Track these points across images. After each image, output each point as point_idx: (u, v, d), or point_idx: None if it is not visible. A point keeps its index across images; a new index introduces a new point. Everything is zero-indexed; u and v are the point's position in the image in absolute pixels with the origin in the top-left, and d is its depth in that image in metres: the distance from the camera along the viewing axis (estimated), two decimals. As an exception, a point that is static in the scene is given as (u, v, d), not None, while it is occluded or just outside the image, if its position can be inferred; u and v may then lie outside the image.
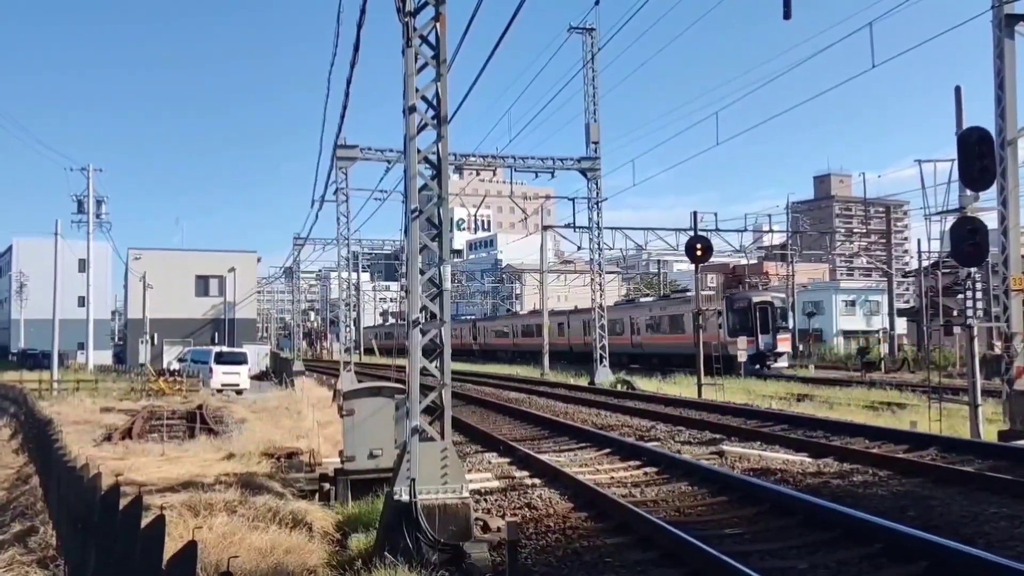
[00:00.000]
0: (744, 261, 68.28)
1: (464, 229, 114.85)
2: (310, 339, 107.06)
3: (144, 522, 4.49)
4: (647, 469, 12.21)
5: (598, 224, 34.76)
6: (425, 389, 9.00)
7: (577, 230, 38.49)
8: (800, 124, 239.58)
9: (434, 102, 9.46)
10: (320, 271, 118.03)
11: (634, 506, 9.16)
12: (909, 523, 7.93)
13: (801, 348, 66.42)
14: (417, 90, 9.31)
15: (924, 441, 13.26)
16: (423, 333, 9.10)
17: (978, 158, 14.51)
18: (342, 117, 18.13)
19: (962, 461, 11.42)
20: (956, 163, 15.32)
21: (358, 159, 31.82)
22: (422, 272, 9.33)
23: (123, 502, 6.26)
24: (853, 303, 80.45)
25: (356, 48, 12.66)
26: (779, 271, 76.20)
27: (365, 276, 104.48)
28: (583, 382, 33.02)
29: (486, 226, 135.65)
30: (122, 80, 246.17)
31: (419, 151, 9.32)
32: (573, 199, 35.86)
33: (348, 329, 39.68)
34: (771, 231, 51.33)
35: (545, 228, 44.52)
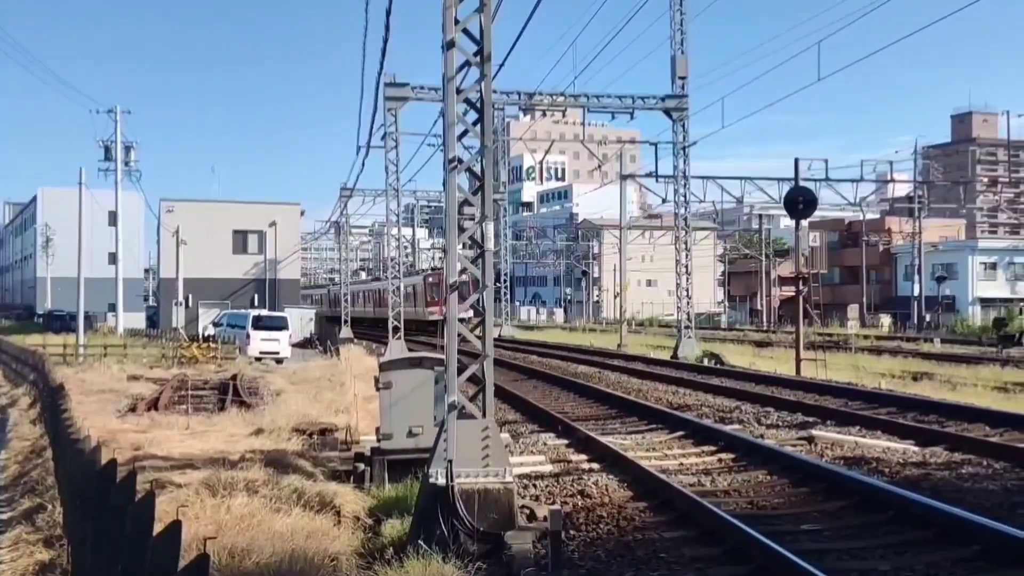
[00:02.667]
0: (862, 216, 66.58)
1: (533, 179, 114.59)
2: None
3: (156, 502, 4.79)
4: (722, 455, 12.25)
5: (684, 173, 34.37)
6: (470, 359, 9.20)
7: (661, 180, 38.10)
8: (932, 59, 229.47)
9: (477, 36, 9.54)
10: (373, 225, 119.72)
11: (700, 496, 9.24)
12: (1018, 522, 7.82)
13: (929, 319, 64.83)
14: (457, 22, 9.37)
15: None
16: (461, 298, 9.30)
17: None
18: (383, 52, 18.37)
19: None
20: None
21: (409, 99, 32.07)
22: (462, 229, 9.49)
23: (140, 479, 6.65)
24: (994, 266, 77.81)
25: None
26: (903, 228, 74.03)
27: (423, 232, 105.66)
28: (665, 356, 32.99)
29: (560, 175, 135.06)
30: (152, 30, 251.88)
31: (459, 92, 9.43)
32: (656, 144, 35.50)
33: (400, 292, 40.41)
34: (892, 180, 49.86)
35: (624, 177, 44.17)
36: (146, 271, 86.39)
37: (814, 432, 13.24)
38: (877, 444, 12.31)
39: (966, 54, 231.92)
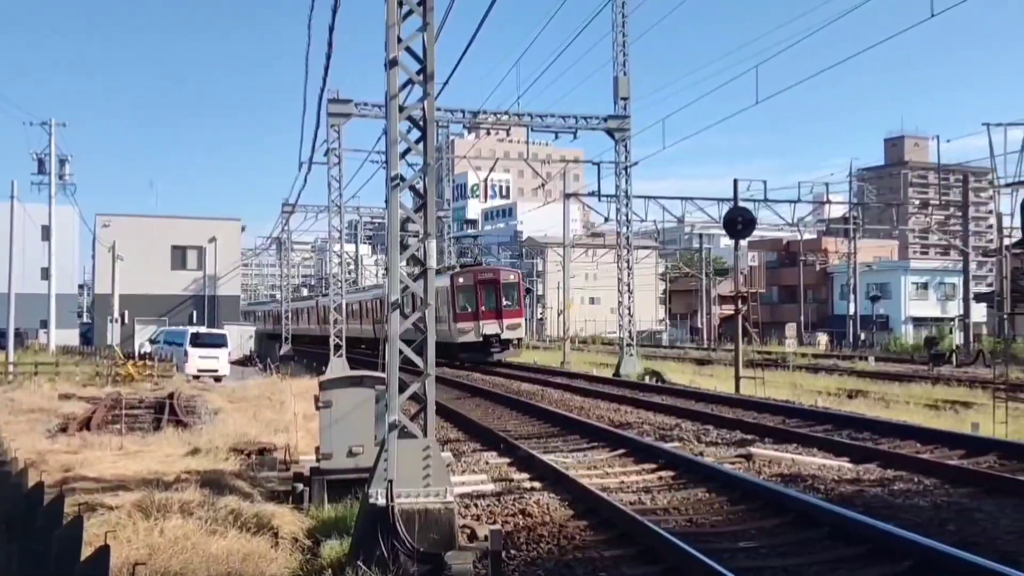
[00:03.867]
0: (799, 236, 67.85)
1: (478, 196, 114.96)
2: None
3: (86, 525, 4.67)
4: (663, 473, 12.35)
5: (626, 192, 34.74)
6: (412, 378, 9.16)
7: (603, 199, 38.50)
8: (866, 84, 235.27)
9: (420, 54, 9.56)
10: (316, 241, 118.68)
11: (640, 515, 9.29)
12: (947, 538, 8.02)
13: (864, 338, 66.17)
14: (400, 40, 9.40)
15: (984, 446, 13.29)
16: (404, 316, 9.26)
17: (1054, 122, 14.59)
18: (326, 69, 18.28)
19: (1023, 470, 11.45)
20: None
21: (353, 116, 31.98)
22: (404, 248, 9.47)
23: (69, 501, 6.46)
24: (926, 286, 79.84)
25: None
26: (839, 248, 75.74)
27: (367, 249, 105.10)
28: (607, 373, 33.18)
29: (505, 193, 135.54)
30: (90, 42, 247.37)
31: (402, 110, 9.43)
32: (599, 164, 35.83)
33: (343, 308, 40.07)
34: (828, 201, 50.93)
35: (567, 196, 44.52)
36: (80, 287, 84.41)
37: (752, 450, 13.42)
38: (813, 461, 12.52)
39: (898, 79, 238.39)
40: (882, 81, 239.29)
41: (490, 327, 36.79)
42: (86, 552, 4.20)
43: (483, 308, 37.02)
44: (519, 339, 39.70)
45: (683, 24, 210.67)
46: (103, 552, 3.69)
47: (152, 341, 45.19)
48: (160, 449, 14.94)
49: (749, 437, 15.11)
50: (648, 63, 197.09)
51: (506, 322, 37.26)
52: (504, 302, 37.51)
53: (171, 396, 25.73)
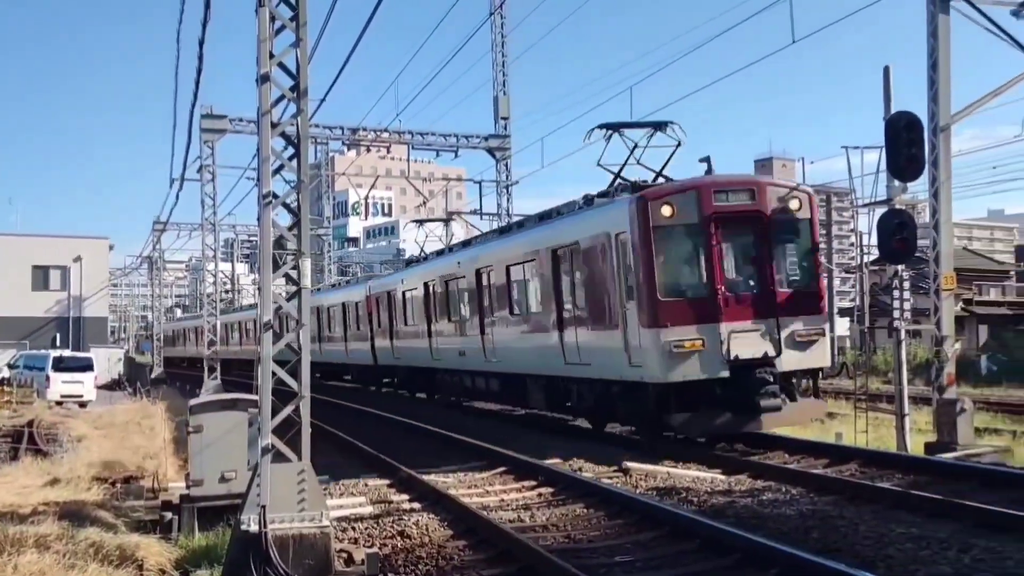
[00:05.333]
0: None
1: (359, 214, 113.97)
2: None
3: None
4: (542, 490, 12.43)
5: (508, 211, 35.05)
6: (287, 400, 8.96)
7: (485, 217, 38.70)
8: (735, 105, 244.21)
9: (293, 71, 9.42)
10: (190, 260, 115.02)
11: (518, 532, 9.34)
12: (811, 546, 8.33)
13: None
14: (272, 55, 9.24)
15: (846, 455, 13.86)
16: (276, 337, 9.06)
17: (906, 145, 15.23)
18: (197, 83, 17.82)
19: (881, 476, 12.02)
20: (884, 151, 16.03)
21: (227, 132, 31.26)
22: (276, 266, 9.28)
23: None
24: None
25: (207, 4, 12.46)
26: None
27: (243, 267, 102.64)
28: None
29: (387, 211, 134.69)
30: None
31: (275, 126, 9.26)
32: (480, 182, 36.04)
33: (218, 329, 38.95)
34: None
35: (450, 215, 44.48)
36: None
37: (628, 464, 13.63)
38: (687, 474, 12.81)
39: (766, 102, 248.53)
40: (750, 104, 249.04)
41: (750, 341, 14.50)
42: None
43: (726, 286, 14.66)
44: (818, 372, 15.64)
45: (561, 45, 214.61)
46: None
47: (11, 366, 42.83)
48: (16, 480, 14.16)
49: (625, 451, 15.33)
50: (528, 83, 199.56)
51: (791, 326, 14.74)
52: (776, 274, 14.99)
53: (30, 424, 24.45)
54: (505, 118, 33.31)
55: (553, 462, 14.33)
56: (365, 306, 31.51)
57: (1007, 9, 16.71)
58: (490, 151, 34.04)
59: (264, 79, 9.05)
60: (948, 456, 14.09)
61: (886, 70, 16.94)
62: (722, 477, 12.54)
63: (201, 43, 14.01)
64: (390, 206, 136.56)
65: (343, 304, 34.77)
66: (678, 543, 9.00)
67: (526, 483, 13.00)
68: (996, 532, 8.45)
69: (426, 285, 25.50)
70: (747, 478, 12.33)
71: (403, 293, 27.82)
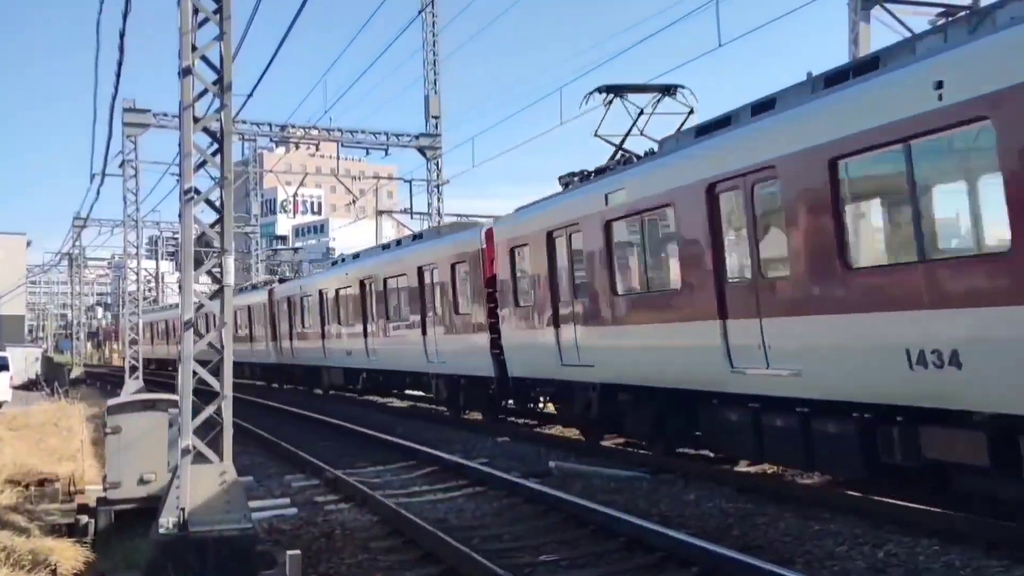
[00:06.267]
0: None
1: (288, 212, 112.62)
2: (98, 340, 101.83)
3: None
4: (472, 489, 12.43)
5: (439, 211, 34.95)
6: (208, 401, 8.80)
7: (416, 216, 38.47)
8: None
9: (217, 64, 9.25)
10: (112, 257, 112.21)
11: (446, 532, 9.30)
12: (732, 543, 8.47)
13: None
14: (195, 48, 9.08)
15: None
16: (198, 336, 8.89)
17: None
18: (118, 76, 17.37)
19: (801, 475, 12.27)
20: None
21: (151, 126, 30.56)
22: (199, 264, 9.11)
23: None
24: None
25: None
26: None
27: (168, 265, 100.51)
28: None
29: (316, 209, 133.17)
30: None
31: (197, 120, 9.08)
32: (411, 181, 35.84)
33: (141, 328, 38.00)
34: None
35: (380, 213, 44.17)
36: None
37: (560, 464, 13.69)
38: (615, 473, 12.90)
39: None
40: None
41: None
42: None
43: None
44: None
45: (491, 45, 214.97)
46: None
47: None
48: (-78, 485, 13.57)
49: (557, 451, 15.43)
50: (459, 82, 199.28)
51: None
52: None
53: (-60, 425, 23.50)
54: (436, 117, 33.21)
55: (482, 461, 14.35)
56: (268, 309, 35.21)
57: (925, 18, 17.25)
58: (421, 150, 33.90)
59: (186, 72, 8.88)
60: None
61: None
62: (648, 476, 12.66)
63: (122, 35, 13.64)
64: (320, 204, 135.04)
65: (248, 307, 38.27)
66: (603, 542, 9.08)
67: (455, 483, 12.99)
68: (909, 528, 8.68)
69: (320, 292, 29.09)
70: (675, 477, 12.47)
71: (301, 299, 31.52)
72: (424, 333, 21.27)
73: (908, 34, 16.99)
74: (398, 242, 25.39)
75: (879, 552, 8.04)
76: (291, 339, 32.85)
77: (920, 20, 17.24)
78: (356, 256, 28.15)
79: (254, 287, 42.05)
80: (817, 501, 10.19)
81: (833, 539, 8.56)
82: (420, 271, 21.54)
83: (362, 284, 25.13)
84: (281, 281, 38.75)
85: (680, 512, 10.23)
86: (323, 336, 28.82)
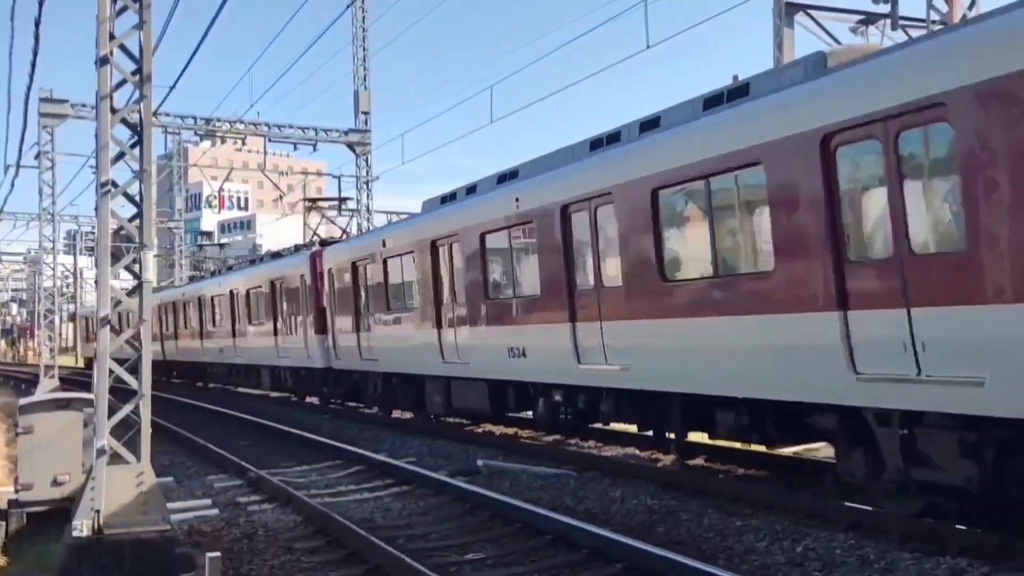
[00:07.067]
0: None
1: (214, 207, 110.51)
2: (12, 337, 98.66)
3: None
4: (398, 488, 12.36)
5: (368, 207, 34.66)
6: (126, 400, 8.63)
7: (345, 213, 38.09)
8: (585, 106, 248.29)
9: (137, 54, 9.03)
10: (28, 252, 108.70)
11: (370, 532, 9.22)
12: (656, 539, 8.58)
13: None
14: (113, 37, 8.87)
15: (695, 450, 14.31)
16: (115, 332, 8.67)
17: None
18: (33, 64, 16.83)
19: (725, 471, 12.49)
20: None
21: (69, 117, 29.68)
22: (116, 259, 8.88)
23: None
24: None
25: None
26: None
27: (87, 260, 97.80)
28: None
29: (243, 204, 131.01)
30: None
31: (115, 111, 8.85)
32: (339, 177, 35.47)
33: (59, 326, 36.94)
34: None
35: (308, 209, 43.62)
36: None
37: (486, 462, 13.69)
38: (541, 471, 12.95)
39: (621, 109, 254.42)
40: (597, 107, 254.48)
41: None
42: None
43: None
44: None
45: (422, 42, 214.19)
46: None
47: None
48: None
49: (483, 449, 15.42)
50: (389, 78, 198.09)
51: None
52: None
53: None
54: (366, 113, 32.91)
55: (409, 461, 14.27)
56: (159, 311, 39.12)
57: (846, 25, 17.69)
58: (350, 146, 33.57)
59: (103, 62, 8.65)
60: (786, 451, 14.74)
61: (735, 80, 17.54)
62: (575, 474, 12.73)
63: (37, 22, 13.22)
64: (247, 200, 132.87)
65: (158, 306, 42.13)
66: (529, 539, 9.10)
67: (380, 482, 12.89)
68: (826, 523, 8.89)
69: (199, 299, 33.90)
70: (599, 475, 12.56)
71: (183, 304, 36.27)
72: (276, 335, 25.92)
73: (830, 40, 17.44)
74: (262, 258, 30.76)
75: (798, 547, 8.21)
76: (176, 339, 37.49)
77: (842, 26, 17.68)
78: (230, 268, 34.60)
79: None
80: (739, 497, 10.37)
81: (754, 534, 8.71)
82: (272, 284, 26.07)
83: (232, 293, 29.80)
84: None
85: (606, 509, 10.31)
86: (202, 336, 33.68)
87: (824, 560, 7.79)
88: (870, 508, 8.98)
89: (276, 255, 28.10)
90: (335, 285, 21.75)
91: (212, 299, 32.33)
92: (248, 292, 28.12)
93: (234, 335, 29.44)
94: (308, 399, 26.28)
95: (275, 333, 25.82)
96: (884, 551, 7.83)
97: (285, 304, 25.17)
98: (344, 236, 29.56)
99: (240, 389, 32.67)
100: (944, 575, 7.19)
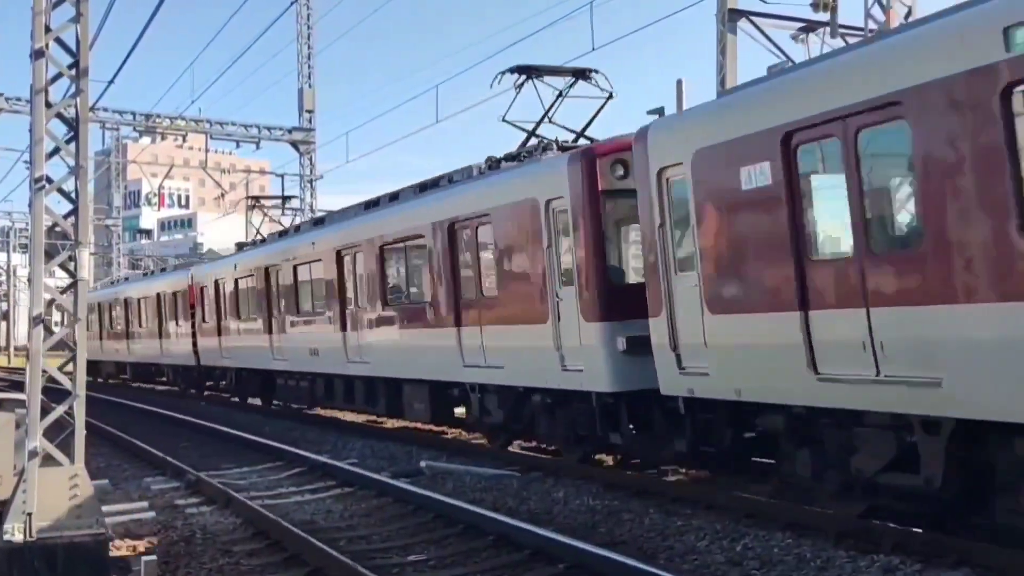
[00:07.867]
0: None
1: (154, 205, 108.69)
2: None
3: None
4: (340, 490, 12.26)
5: (311, 206, 34.37)
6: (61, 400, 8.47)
7: (288, 212, 37.73)
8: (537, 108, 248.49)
9: (73, 47, 8.84)
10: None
11: (311, 534, 9.14)
12: (598, 539, 8.63)
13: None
14: (49, 29, 8.67)
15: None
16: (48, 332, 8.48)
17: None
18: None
19: (666, 472, 12.61)
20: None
21: (3, 111, 28.93)
22: (50, 256, 8.69)
23: None
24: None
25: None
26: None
27: (21, 258, 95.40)
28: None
29: (184, 202, 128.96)
30: None
31: (50, 106, 8.66)
32: (283, 175, 35.14)
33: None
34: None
35: (251, 208, 43.08)
36: None
37: (429, 463, 13.65)
38: (484, 472, 12.94)
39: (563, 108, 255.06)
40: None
41: None
42: None
43: None
44: None
45: (367, 41, 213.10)
46: None
47: None
48: None
49: (427, 451, 15.38)
50: (333, 77, 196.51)
51: None
52: None
53: None
54: (310, 111, 32.65)
55: (351, 462, 14.17)
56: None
57: (787, 32, 17.99)
58: (294, 144, 33.27)
59: (38, 55, 8.46)
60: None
61: (679, 84, 17.75)
62: (518, 474, 12.76)
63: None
64: (187, 198, 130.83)
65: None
66: (472, 540, 9.09)
67: (322, 484, 12.78)
68: (765, 522, 9.03)
69: (125, 300, 36.14)
70: (542, 475, 12.60)
71: (110, 305, 38.61)
72: (161, 337, 30.62)
73: (771, 47, 17.71)
74: (154, 271, 36.10)
75: (737, 546, 8.33)
76: (100, 339, 39.80)
77: (783, 33, 17.97)
78: (126, 279, 41.26)
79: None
80: (680, 497, 10.48)
81: (695, 534, 8.82)
82: (158, 296, 30.86)
83: (158, 296, 32.50)
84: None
85: (549, 510, 10.36)
86: (128, 337, 36.23)
87: (762, 559, 7.92)
88: (807, 507, 9.14)
89: (163, 269, 35.28)
90: (203, 298, 26.66)
91: (138, 301, 34.73)
92: (139, 301, 33.19)
93: (160, 336, 32.17)
94: (249, 400, 26.29)
95: (160, 336, 30.81)
96: (820, 549, 7.98)
97: (168, 311, 30.19)
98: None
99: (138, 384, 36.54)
100: (877, 572, 7.35)
